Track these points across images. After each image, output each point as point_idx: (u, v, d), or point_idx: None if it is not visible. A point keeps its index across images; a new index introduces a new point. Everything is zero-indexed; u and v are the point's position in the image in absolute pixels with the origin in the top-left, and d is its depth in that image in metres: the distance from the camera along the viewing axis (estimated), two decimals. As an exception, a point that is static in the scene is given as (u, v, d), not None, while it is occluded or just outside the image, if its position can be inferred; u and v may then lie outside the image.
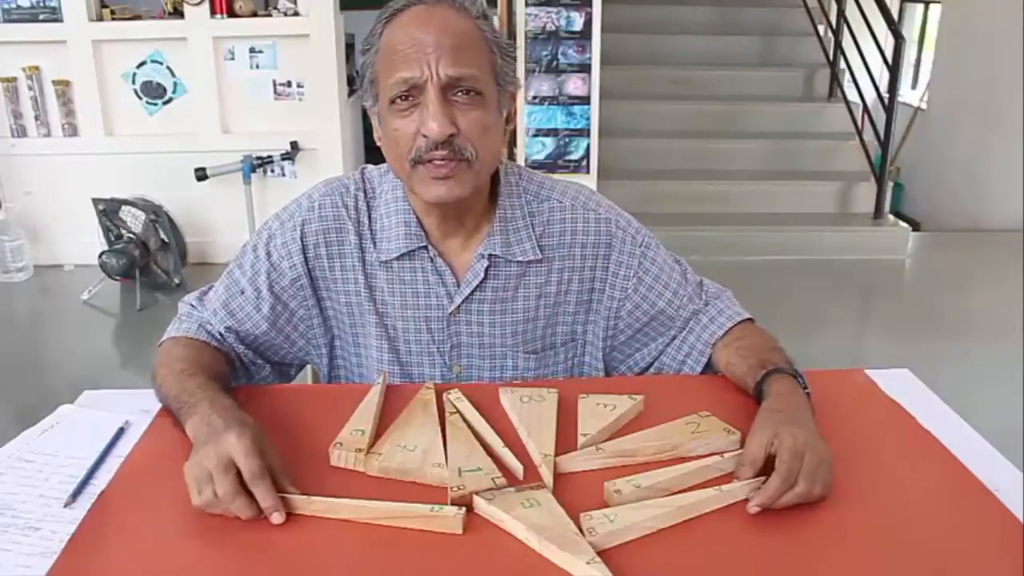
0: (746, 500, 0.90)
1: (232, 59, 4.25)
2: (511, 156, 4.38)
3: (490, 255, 1.17)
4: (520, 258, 1.18)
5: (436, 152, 1.04)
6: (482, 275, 1.17)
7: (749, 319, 1.23)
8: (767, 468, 0.91)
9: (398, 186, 1.18)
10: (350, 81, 4.51)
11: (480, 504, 0.88)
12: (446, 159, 1.04)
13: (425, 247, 1.16)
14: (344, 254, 1.19)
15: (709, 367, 1.22)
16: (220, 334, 1.18)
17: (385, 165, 1.21)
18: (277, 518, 0.86)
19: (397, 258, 1.17)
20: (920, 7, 7.37)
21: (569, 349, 1.25)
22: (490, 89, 1.07)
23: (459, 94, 1.04)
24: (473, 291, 1.18)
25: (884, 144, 4.65)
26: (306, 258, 1.18)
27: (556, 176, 1.27)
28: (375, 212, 1.19)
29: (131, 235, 3.98)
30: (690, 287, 1.24)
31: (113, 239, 4.01)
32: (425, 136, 1.03)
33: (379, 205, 1.19)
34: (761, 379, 1.07)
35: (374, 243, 1.18)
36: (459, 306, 1.18)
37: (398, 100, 1.04)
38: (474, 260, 1.17)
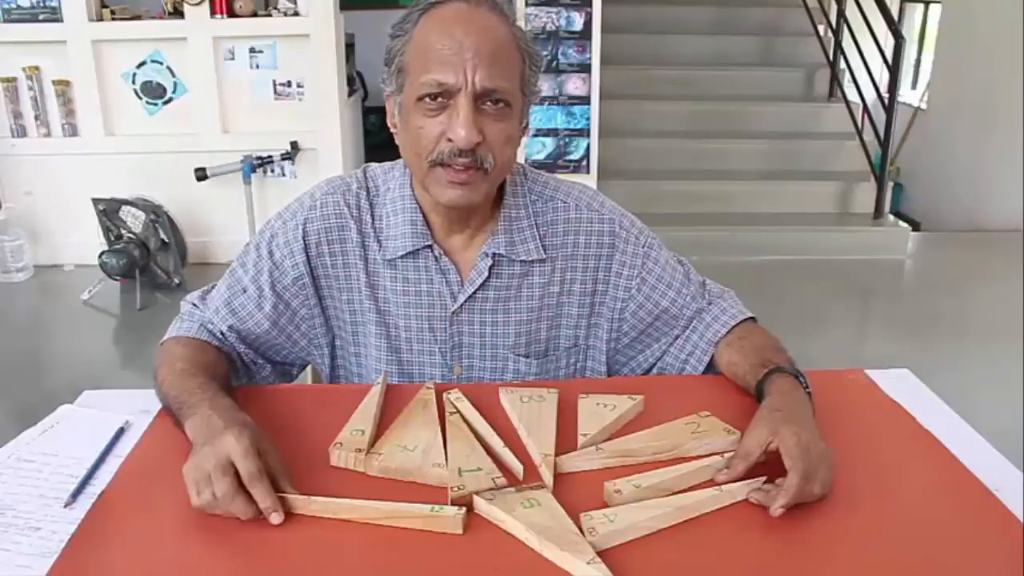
0: (746, 500, 0.90)
1: (232, 59, 4.25)
2: (511, 156, 4.38)
3: (494, 254, 1.17)
4: (524, 257, 1.18)
5: (458, 159, 1.04)
6: (486, 274, 1.17)
7: (751, 318, 1.23)
8: (766, 470, 0.91)
9: (405, 183, 1.18)
10: (350, 81, 4.52)
11: (480, 504, 0.88)
12: (466, 167, 1.04)
13: (430, 246, 1.16)
14: (346, 252, 1.18)
15: (711, 367, 1.22)
16: (222, 333, 1.18)
17: (389, 163, 1.22)
18: (276, 518, 0.86)
19: (402, 256, 1.17)
20: (920, 7, 7.37)
21: (572, 355, 1.25)
22: (517, 100, 1.08)
23: (488, 104, 1.04)
24: (476, 290, 1.18)
25: (884, 144, 4.65)
26: (308, 257, 1.18)
27: (558, 176, 1.27)
28: (379, 210, 1.19)
29: (131, 235, 3.98)
30: (693, 287, 1.24)
31: (113, 239, 4.01)
32: (450, 140, 1.03)
33: (384, 203, 1.18)
34: (762, 378, 1.07)
35: (378, 242, 1.18)
36: (462, 305, 1.18)
37: (427, 99, 1.04)
38: (478, 259, 1.17)
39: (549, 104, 4.45)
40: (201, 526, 0.86)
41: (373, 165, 1.23)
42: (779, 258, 4.45)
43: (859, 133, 5.01)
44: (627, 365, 1.27)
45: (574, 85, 4.45)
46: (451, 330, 1.20)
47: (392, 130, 1.14)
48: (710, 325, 1.22)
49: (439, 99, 1.03)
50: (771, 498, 0.88)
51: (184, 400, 1.00)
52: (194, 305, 1.22)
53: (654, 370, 1.27)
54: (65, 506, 0.91)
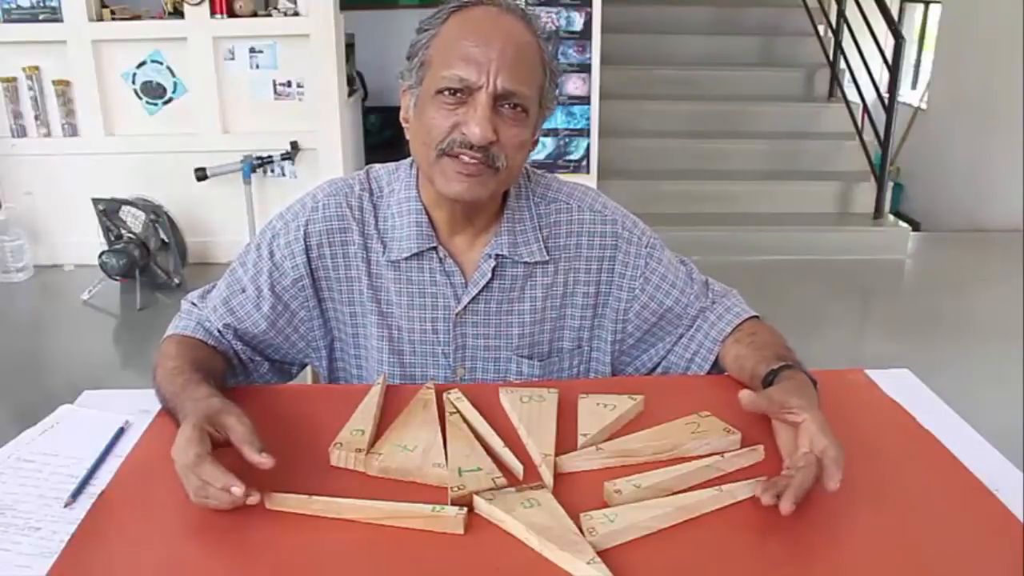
0: (746, 500, 0.90)
1: (232, 59, 4.25)
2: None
3: (497, 255, 1.17)
4: (527, 259, 1.18)
5: (468, 151, 1.04)
6: (489, 275, 1.17)
7: (756, 316, 1.23)
8: (766, 469, 0.91)
9: (410, 184, 1.18)
10: (350, 81, 4.51)
11: (480, 504, 0.88)
12: (476, 160, 1.05)
13: (435, 248, 1.16)
14: (348, 254, 1.18)
15: (715, 366, 1.21)
16: (218, 331, 1.18)
17: (393, 164, 1.22)
18: (237, 491, 0.84)
19: (406, 258, 1.17)
20: (920, 7, 7.37)
21: (575, 356, 1.25)
22: (533, 108, 1.09)
23: (506, 107, 1.05)
24: (480, 292, 1.18)
25: (884, 144, 4.65)
26: (309, 258, 1.18)
27: (560, 178, 1.27)
28: (382, 212, 1.19)
29: (131, 235, 3.98)
30: (696, 286, 1.24)
31: (113, 239, 4.01)
32: (463, 133, 1.04)
33: (388, 204, 1.18)
34: (778, 368, 1.05)
35: (382, 243, 1.18)
36: (466, 306, 1.18)
37: (446, 93, 1.04)
38: (481, 260, 1.17)
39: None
40: (201, 526, 0.86)
41: (376, 166, 1.23)
42: (779, 258, 4.45)
43: (859, 133, 5.01)
44: (631, 365, 1.27)
45: (574, 85, 4.45)
46: (455, 332, 1.20)
47: (404, 124, 1.14)
48: (715, 324, 1.22)
49: (458, 95, 1.04)
50: (827, 476, 0.87)
51: (175, 404, 1.01)
52: (193, 304, 1.22)
53: (659, 369, 1.27)
54: (65, 506, 0.91)
